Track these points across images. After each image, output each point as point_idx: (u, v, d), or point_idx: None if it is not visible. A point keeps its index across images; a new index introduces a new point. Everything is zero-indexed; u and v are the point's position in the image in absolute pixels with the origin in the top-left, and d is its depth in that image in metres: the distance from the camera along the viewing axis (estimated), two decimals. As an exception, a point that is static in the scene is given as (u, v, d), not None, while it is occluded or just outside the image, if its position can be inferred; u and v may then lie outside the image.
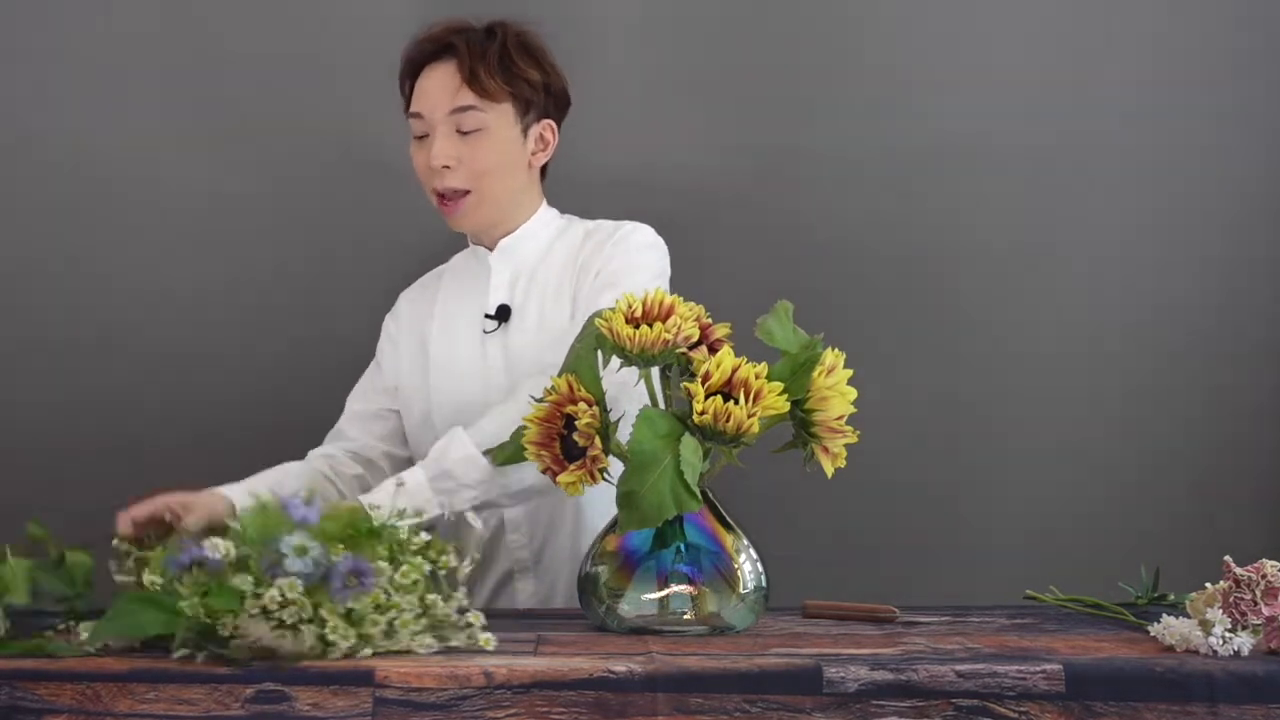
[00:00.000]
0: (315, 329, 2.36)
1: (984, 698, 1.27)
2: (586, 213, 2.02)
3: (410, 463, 1.89)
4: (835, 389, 1.47)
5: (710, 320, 1.53)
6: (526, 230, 1.95)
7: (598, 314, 1.53)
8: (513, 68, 1.86)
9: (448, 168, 1.85)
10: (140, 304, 2.34)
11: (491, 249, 1.96)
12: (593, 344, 1.52)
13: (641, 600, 1.50)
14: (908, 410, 2.32)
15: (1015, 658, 1.32)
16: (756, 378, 1.43)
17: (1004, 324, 2.37)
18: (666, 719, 1.25)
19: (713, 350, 1.49)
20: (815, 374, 1.47)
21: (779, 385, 1.44)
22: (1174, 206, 2.39)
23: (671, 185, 2.31)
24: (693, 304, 1.53)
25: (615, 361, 1.52)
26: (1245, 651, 1.34)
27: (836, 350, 1.49)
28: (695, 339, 1.50)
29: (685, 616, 1.49)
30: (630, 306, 1.50)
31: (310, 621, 1.27)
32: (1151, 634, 1.42)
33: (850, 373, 1.49)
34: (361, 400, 2.02)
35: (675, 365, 1.52)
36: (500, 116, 1.86)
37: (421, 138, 1.88)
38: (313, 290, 2.37)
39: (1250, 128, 2.38)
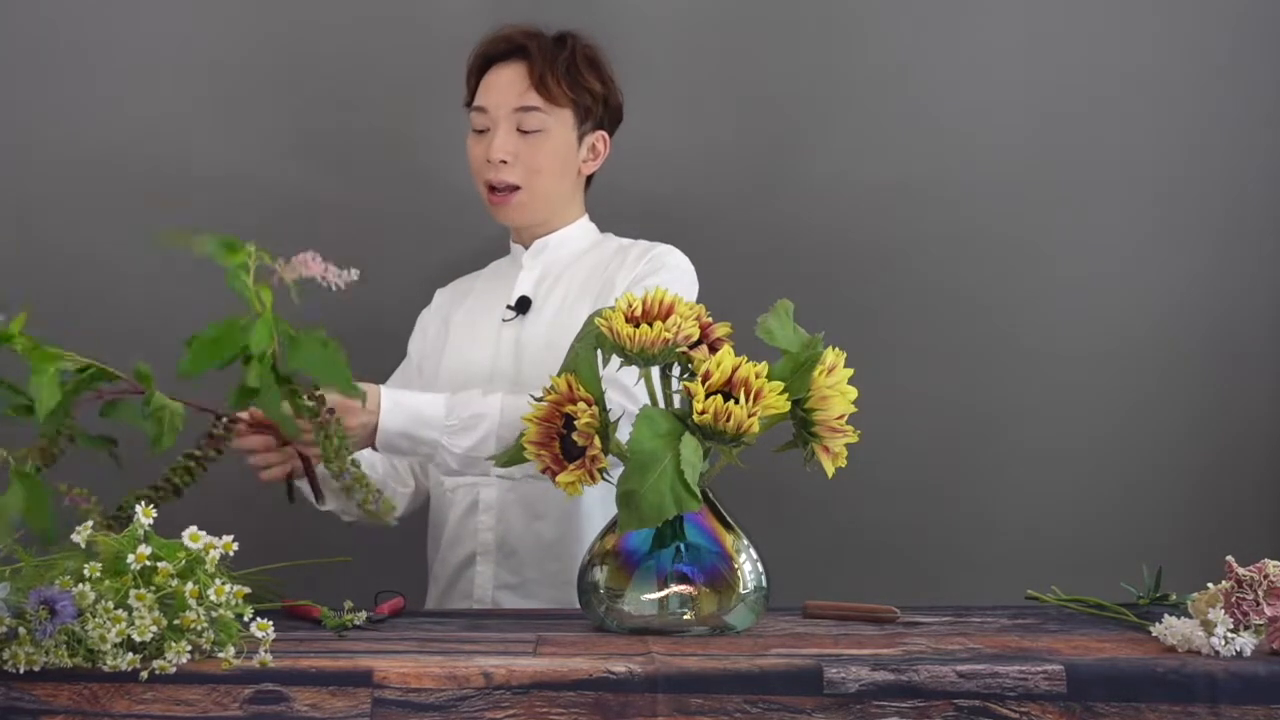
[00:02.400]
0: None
1: (985, 698, 1.26)
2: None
3: None
4: (836, 388, 1.47)
5: (710, 319, 1.53)
6: (564, 234, 2.02)
7: (597, 313, 1.53)
8: (579, 77, 1.94)
9: (505, 162, 1.92)
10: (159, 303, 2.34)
11: (527, 247, 2.03)
12: (592, 343, 1.51)
13: (641, 600, 1.49)
14: (909, 410, 2.32)
15: (1017, 658, 1.32)
16: (757, 377, 1.43)
17: (1005, 324, 2.37)
18: (666, 720, 1.24)
19: (713, 349, 1.49)
20: (816, 373, 1.47)
21: (779, 385, 1.44)
22: (1175, 206, 2.38)
23: (672, 184, 2.31)
24: (693, 303, 1.52)
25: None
26: (1247, 652, 1.34)
27: (837, 349, 1.49)
28: (695, 338, 1.50)
29: (685, 617, 1.49)
30: (630, 305, 1.50)
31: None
32: (1153, 634, 1.42)
33: (851, 372, 1.48)
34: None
35: (675, 364, 1.52)
36: (560, 121, 1.94)
37: (481, 131, 1.96)
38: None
39: (1252, 127, 2.38)
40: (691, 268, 1.97)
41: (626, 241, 2.03)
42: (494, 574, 1.95)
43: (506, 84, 1.94)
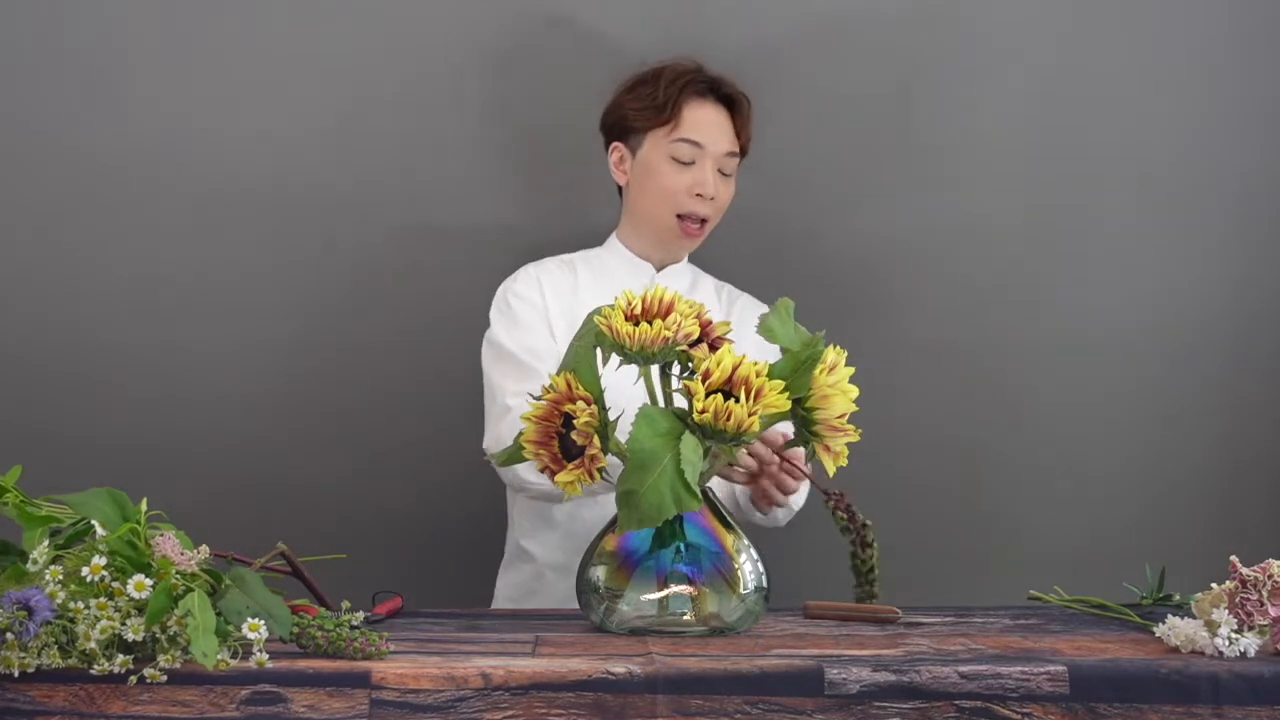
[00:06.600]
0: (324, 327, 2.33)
1: (987, 699, 1.26)
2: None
3: None
4: (837, 387, 1.46)
5: (711, 318, 1.52)
6: (684, 264, 2.13)
7: (597, 311, 1.52)
8: (750, 130, 2.09)
9: (712, 199, 2.04)
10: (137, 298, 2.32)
11: (658, 269, 2.09)
12: (591, 342, 1.50)
13: (641, 600, 1.49)
14: (910, 409, 2.31)
15: (1019, 659, 1.31)
16: (757, 376, 1.42)
17: (1008, 322, 2.36)
18: (666, 721, 1.24)
19: (713, 348, 1.48)
20: (817, 372, 1.46)
21: (780, 383, 1.43)
22: (1183, 206, 2.37)
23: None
24: (693, 301, 1.52)
25: None
26: (1251, 653, 1.33)
27: (838, 348, 1.48)
28: (695, 337, 1.49)
29: (685, 617, 1.48)
30: (630, 304, 1.49)
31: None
32: (1156, 635, 1.42)
33: (852, 370, 1.47)
34: (537, 359, 1.96)
35: (675, 363, 1.51)
36: (737, 167, 2.10)
37: (685, 163, 2.02)
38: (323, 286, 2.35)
39: (1257, 126, 2.37)
40: None
41: (718, 283, 2.15)
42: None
43: (720, 129, 2.04)
